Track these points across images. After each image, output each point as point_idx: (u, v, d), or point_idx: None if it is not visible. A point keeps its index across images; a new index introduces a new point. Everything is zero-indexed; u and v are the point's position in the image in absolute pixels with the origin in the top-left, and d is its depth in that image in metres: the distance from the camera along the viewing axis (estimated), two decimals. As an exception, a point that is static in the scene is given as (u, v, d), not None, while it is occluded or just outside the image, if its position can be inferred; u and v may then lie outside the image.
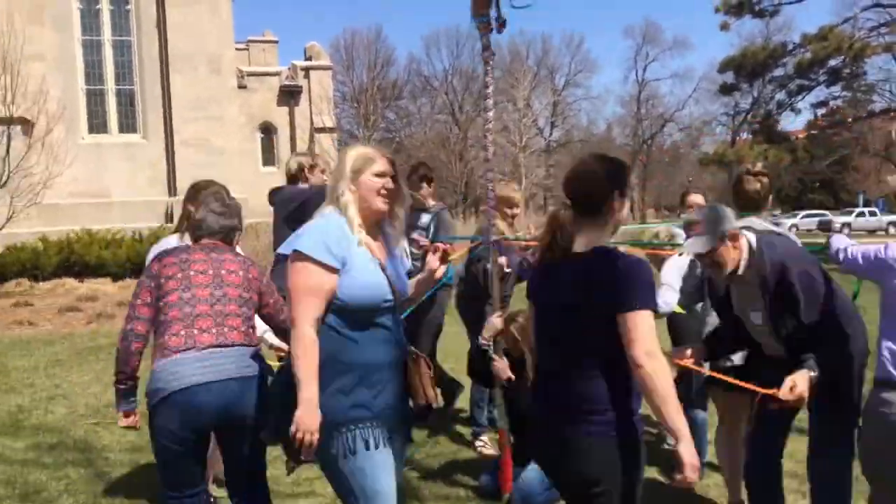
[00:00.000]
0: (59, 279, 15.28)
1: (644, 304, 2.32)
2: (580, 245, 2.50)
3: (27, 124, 17.29)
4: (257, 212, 13.56)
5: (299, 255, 2.57)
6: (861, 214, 44.73)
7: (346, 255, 2.57)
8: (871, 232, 41.75)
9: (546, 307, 2.60)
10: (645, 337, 2.29)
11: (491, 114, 4.35)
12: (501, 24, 4.02)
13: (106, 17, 20.86)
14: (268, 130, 27.93)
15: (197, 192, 3.94)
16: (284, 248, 2.67)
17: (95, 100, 20.91)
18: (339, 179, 2.68)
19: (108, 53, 20.96)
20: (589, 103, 65.16)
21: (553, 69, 60.32)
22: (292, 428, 2.49)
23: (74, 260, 15.70)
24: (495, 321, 3.94)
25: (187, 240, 3.70)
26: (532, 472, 3.64)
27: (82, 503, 4.44)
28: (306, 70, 28.98)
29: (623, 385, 2.39)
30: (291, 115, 27.98)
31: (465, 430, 5.58)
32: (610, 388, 2.38)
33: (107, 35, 20.90)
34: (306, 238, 2.59)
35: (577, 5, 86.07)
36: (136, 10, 20.89)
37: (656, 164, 63.52)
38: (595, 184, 2.50)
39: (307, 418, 2.48)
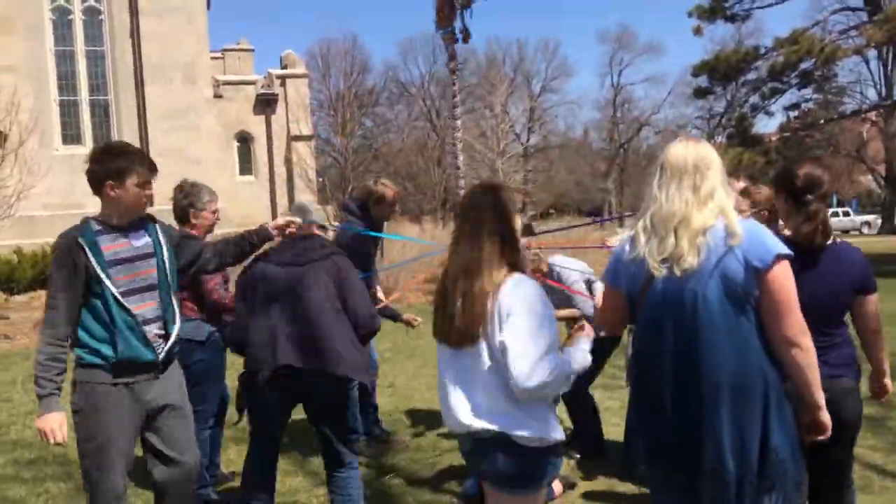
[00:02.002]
0: (35, 292, 15.11)
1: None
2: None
3: None
4: (235, 221, 13.51)
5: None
6: (835, 214, 45.33)
7: None
8: (845, 232, 42.36)
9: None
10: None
11: (459, 122, 4.41)
12: (466, 35, 4.09)
13: (79, 27, 20.71)
14: (244, 139, 27.84)
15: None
16: (773, 250, 2.32)
17: (69, 111, 20.75)
18: None
19: (81, 64, 20.80)
20: (565, 108, 65.43)
21: (529, 75, 60.64)
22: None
23: (50, 272, 15.53)
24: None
25: None
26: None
27: (62, 518, 4.40)
28: (282, 78, 28.93)
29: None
30: (268, 123, 27.91)
31: (449, 436, 5.59)
32: None
33: (79, 45, 20.75)
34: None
35: (551, 10, 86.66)
36: (110, 19, 20.77)
37: (633, 168, 63.95)
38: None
39: None
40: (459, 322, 2.41)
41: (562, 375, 2.36)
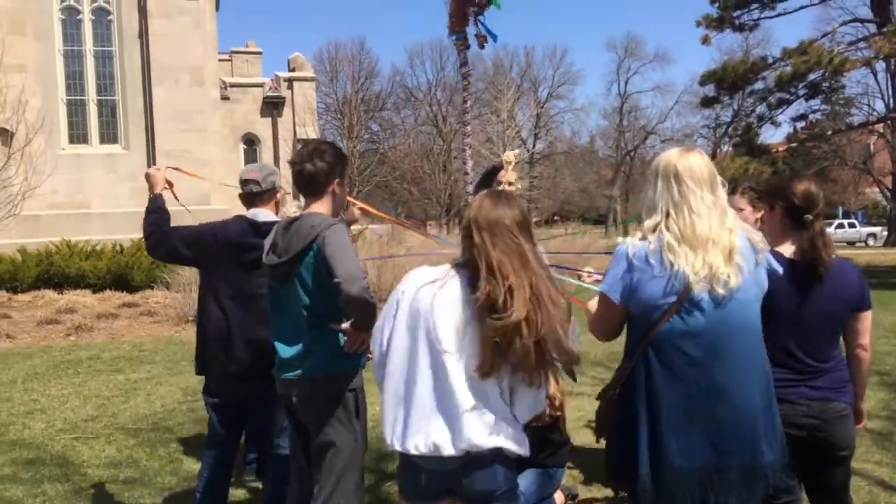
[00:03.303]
0: (38, 291, 15.14)
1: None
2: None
3: (6, 135, 17.17)
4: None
5: None
6: (840, 226, 45.22)
7: None
8: (851, 244, 42.24)
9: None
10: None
11: (469, 128, 4.37)
12: (483, 38, 4.04)
13: (87, 28, 20.77)
14: (251, 142, 27.86)
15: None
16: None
17: (76, 110, 20.80)
18: None
19: (89, 64, 20.86)
20: (572, 115, 65.57)
21: (536, 81, 60.74)
22: None
23: (54, 272, 15.56)
24: None
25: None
26: (523, 479, 3.60)
27: (59, 520, 4.37)
28: (290, 81, 28.96)
29: None
30: (275, 126, 27.93)
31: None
32: None
33: (88, 46, 20.81)
34: None
35: (560, 19, 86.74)
36: (119, 20, 20.83)
37: (639, 176, 63.89)
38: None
39: None
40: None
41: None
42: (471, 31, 4.07)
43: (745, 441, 2.33)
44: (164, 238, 3.71)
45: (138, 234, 17.51)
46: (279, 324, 3.10)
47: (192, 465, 5.22)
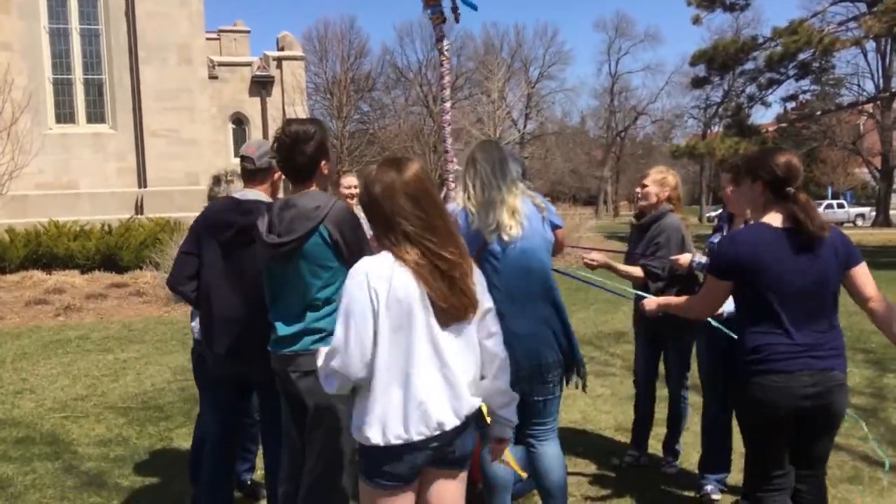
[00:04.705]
0: (27, 271, 15.04)
1: None
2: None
3: (-8, 114, 16.98)
4: (229, 203, 13.43)
5: None
6: (829, 207, 45.43)
7: None
8: (840, 223, 42.48)
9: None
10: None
11: (448, 104, 4.34)
12: (457, 11, 4.01)
13: (73, 5, 20.48)
14: (239, 121, 27.71)
15: None
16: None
17: (63, 89, 20.57)
18: None
19: (75, 42, 20.61)
20: (563, 95, 65.49)
21: (527, 61, 60.49)
22: None
23: (42, 252, 15.47)
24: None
25: None
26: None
27: (49, 497, 4.37)
28: (279, 60, 28.76)
29: None
30: (263, 105, 27.77)
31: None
32: None
33: (74, 23, 20.54)
34: None
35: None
36: (105, -3, 20.56)
37: (629, 157, 63.95)
38: None
39: None
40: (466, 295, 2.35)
41: None
42: (446, 3, 4.02)
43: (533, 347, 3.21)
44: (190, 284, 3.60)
45: (126, 214, 17.45)
46: (279, 304, 3.07)
47: (182, 444, 5.24)
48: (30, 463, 4.94)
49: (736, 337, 2.95)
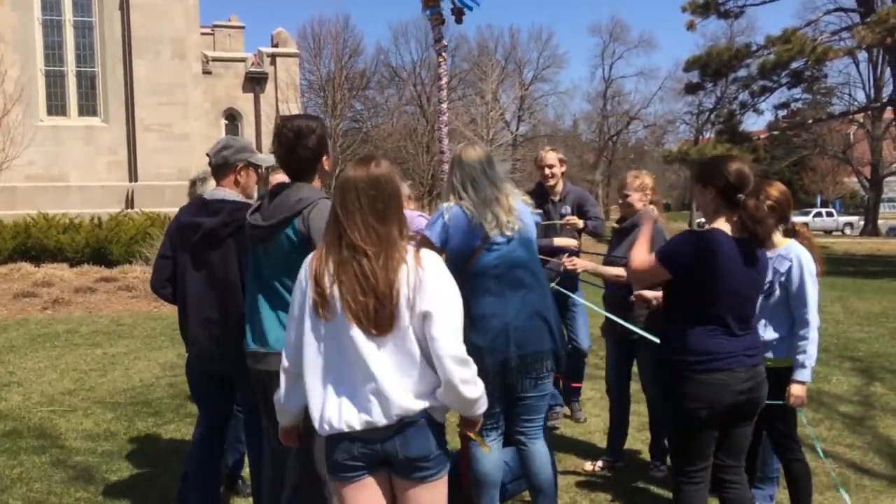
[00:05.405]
0: (15, 264, 14.92)
1: None
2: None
3: (-17, 105, 16.87)
4: (221, 199, 13.39)
5: None
6: (818, 215, 45.72)
7: None
8: (828, 232, 42.69)
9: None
10: None
11: (445, 105, 4.34)
12: (460, 11, 4.00)
13: (67, -3, 20.37)
14: (232, 117, 27.59)
15: None
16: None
17: (55, 81, 20.45)
18: None
19: (69, 34, 20.49)
20: (556, 98, 65.25)
21: (521, 63, 60.47)
22: None
23: (31, 244, 15.36)
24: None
25: None
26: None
27: (37, 491, 4.35)
28: (273, 57, 28.66)
29: None
30: (257, 101, 27.66)
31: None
32: None
33: (68, 15, 20.43)
34: None
35: (546, 1, 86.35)
36: (99, -10, 20.45)
37: (621, 161, 64.06)
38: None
39: None
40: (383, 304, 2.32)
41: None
42: (446, 5, 4.01)
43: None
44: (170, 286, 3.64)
45: (116, 208, 17.36)
46: (253, 299, 3.08)
47: (171, 439, 5.22)
48: (17, 456, 4.91)
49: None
